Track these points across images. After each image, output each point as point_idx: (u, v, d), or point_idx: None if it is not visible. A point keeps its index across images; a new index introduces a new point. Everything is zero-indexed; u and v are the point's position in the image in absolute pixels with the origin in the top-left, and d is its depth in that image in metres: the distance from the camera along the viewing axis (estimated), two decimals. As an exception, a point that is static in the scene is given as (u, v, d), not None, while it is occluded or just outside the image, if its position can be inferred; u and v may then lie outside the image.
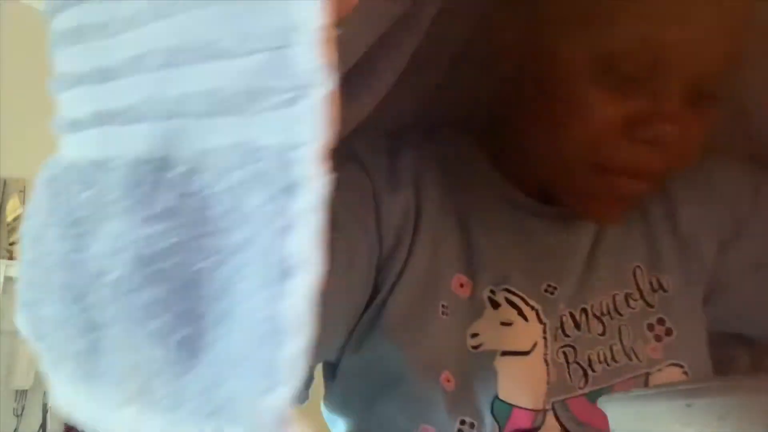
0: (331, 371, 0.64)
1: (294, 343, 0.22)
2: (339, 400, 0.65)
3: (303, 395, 0.62)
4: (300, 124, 0.24)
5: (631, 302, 0.63)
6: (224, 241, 0.25)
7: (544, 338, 0.60)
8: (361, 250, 0.57)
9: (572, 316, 0.61)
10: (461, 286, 0.60)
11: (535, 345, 0.59)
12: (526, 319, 0.60)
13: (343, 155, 0.59)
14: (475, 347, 0.59)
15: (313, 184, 0.24)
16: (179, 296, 0.26)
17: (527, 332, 0.60)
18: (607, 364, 0.60)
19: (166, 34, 0.26)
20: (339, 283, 0.55)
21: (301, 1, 0.23)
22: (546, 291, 0.61)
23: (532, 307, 0.60)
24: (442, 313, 0.59)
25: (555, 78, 0.54)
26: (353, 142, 0.59)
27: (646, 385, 0.60)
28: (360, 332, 0.60)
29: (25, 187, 2.45)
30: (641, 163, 0.54)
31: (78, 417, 0.29)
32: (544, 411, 0.58)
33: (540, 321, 0.60)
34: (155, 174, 0.26)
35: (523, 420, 0.57)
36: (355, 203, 0.58)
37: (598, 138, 0.53)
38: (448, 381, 0.58)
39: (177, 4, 0.26)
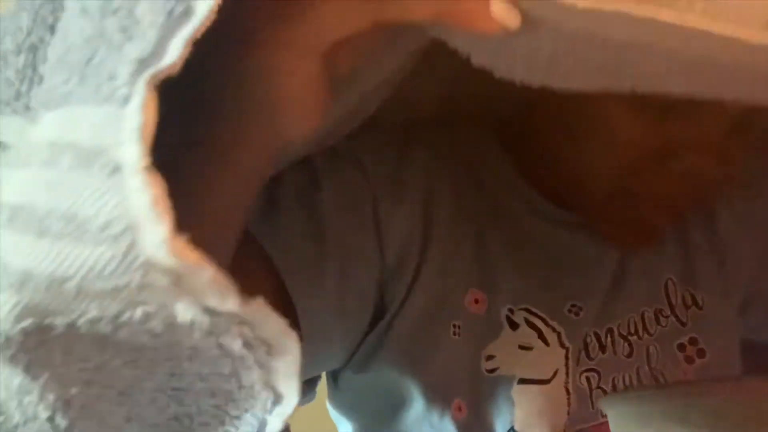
0: (332, 378, 0.61)
1: None
2: (345, 412, 0.62)
3: (310, 395, 0.59)
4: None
5: (662, 319, 0.58)
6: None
7: (566, 364, 0.55)
8: (356, 266, 0.52)
9: (597, 336, 0.56)
10: (476, 302, 0.55)
11: (556, 373, 0.55)
12: (547, 343, 0.55)
13: (344, 157, 0.54)
14: (490, 371, 0.54)
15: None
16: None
17: (548, 358, 0.55)
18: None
19: (14, 186, 0.24)
20: (330, 303, 0.51)
21: (138, 195, 0.21)
22: (570, 312, 0.56)
23: (554, 329, 0.56)
24: (454, 333, 0.54)
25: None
26: (358, 140, 0.54)
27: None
28: (365, 353, 0.55)
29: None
30: (670, 194, 0.49)
31: None
32: None
33: (562, 345, 0.55)
34: (38, 336, 0.24)
35: None
36: (351, 215, 0.52)
37: (624, 163, 0.48)
38: (460, 410, 0.54)
39: (32, 154, 0.23)
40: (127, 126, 0.21)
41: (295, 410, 0.56)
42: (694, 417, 0.34)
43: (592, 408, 0.55)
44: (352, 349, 0.55)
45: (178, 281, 0.22)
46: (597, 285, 0.58)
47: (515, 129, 0.59)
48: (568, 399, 0.54)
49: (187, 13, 0.22)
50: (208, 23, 0.22)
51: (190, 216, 0.28)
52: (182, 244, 0.21)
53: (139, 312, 0.23)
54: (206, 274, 0.22)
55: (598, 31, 0.26)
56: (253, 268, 0.47)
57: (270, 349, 0.25)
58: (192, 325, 0.24)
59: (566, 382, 0.55)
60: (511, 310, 0.55)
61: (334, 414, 0.63)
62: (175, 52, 0.21)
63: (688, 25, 0.24)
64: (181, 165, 0.29)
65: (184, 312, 0.23)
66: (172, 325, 0.24)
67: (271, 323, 0.25)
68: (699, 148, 0.47)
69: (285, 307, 0.48)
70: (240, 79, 0.28)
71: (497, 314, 0.55)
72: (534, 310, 0.56)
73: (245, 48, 0.27)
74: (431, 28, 0.28)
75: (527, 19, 0.25)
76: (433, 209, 0.55)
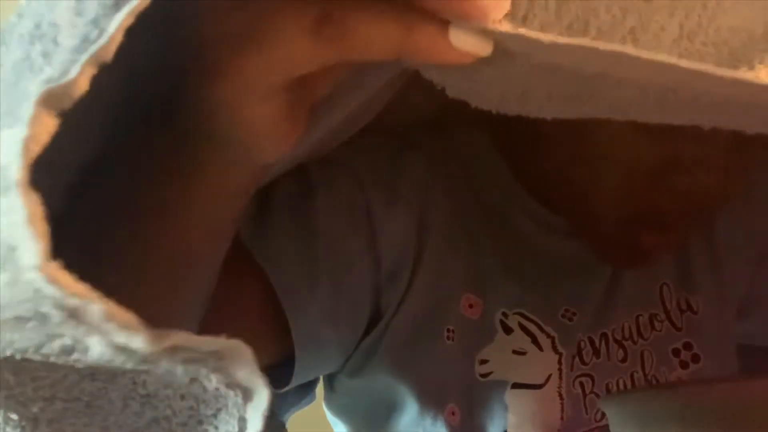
0: (328, 381, 0.60)
1: None
2: (340, 415, 0.62)
3: (310, 396, 0.59)
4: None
5: (656, 324, 0.58)
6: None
7: (560, 369, 0.55)
8: (349, 274, 0.52)
9: (591, 341, 0.56)
10: (470, 306, 0.55)
11: (549, 378, 0.55)
12: (540, 348, 0.55)
13: (337, 164, 0.53)
14: (483, 375, 0.54)
15: None
16: None
17: (541, 363, 0.55)
18: None
19: None
20: (322, 312, 0.51)
21: (12, 215, 0.19)
22: (563, 317, 0.56)
23: (548, 335, 0.55)
24: (448, 338, 0.54)
25: None
26: (352, 146, 0.53)
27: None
28: (360, 357, 0.55)
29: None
30: (670, 214, 0.48)
31: None
32: None
33: (556, 351, 0.55)
34: None
35: None
36: (344, 222, 0.52)
37: (624, 183, 0.48)
38: (453, 414, 0.53)
39: None
40: (6, 144, 0.19)
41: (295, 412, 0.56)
42: (692, 417, 0.35)
43: (586, 413, 0.55)
44: (348, 354, 0.55)
45: (74, 314, 0.19)
46: (591, 290, 0.57)
47: (513, 133, 0.58)
48: (562, 404, 0.54)
49: (101, 36, 0.21)
50: (117, 42, 0.21)
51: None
52: (55, 270, 0.18)
53: (57, 344, 0.21)
54: (96, 308, 0.19)
55: (569, 64, 0.25)
56: (243, 276, 0.47)
57: (219, 354, 0.23)
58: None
59: (560, 387, 0.54)
60: (505, 315, 0.55)
61: (330, 416, 0.63)
62: (74, 71, 0.20)
63: (656, 59, 0.23)
64: (145, 185, 0.30)
65: (97, 348, 0.21)
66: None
67: (204, 345, 0.22)
68: (702, 165, 0.46)
69: (278, 313, 0.48)
70: (202, 108, 0.27)
71: (491, 319, 0.55)
72: (528, 314, 0.55)
73: (203, 78, 0.27)
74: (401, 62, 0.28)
75: (498, 49, 0.24)
76: (428, 213, 0.55)
